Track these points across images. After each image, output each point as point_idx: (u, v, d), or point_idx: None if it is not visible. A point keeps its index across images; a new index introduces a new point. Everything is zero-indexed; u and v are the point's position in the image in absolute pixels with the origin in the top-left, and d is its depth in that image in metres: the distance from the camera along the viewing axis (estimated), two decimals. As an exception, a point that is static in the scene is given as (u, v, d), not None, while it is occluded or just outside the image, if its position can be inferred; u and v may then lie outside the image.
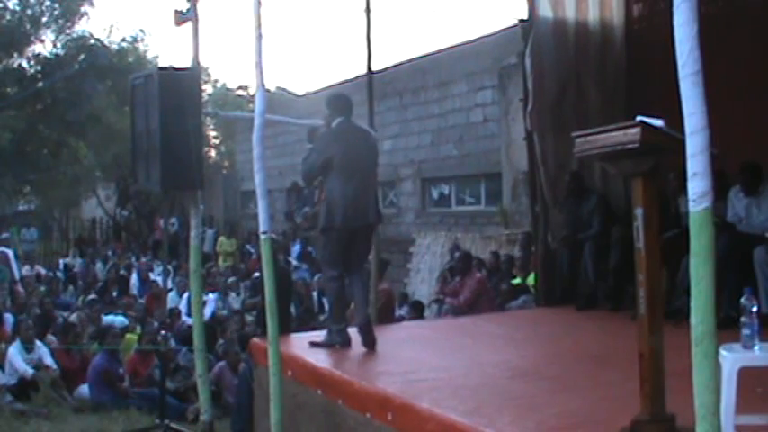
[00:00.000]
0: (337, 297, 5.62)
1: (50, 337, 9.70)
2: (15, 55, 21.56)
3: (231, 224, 20.87)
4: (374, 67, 7.04)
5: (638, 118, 3.13)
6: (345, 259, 5.58)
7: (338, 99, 5.68)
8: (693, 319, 2.55)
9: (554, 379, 4.59)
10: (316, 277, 13.38)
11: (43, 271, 15.97)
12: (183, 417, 7.80)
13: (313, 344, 5.61)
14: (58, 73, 20.68)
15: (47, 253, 21.45)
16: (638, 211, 3.25)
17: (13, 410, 8.11)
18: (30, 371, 8.59)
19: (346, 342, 5.57)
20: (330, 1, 59.71)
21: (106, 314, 10.59)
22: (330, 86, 19.89)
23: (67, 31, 21.71)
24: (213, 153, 29.73)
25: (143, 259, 16.81)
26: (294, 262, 15.14)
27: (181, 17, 6.17)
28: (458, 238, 13.26)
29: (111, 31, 22.37)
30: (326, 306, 6.09)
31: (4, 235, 16.59)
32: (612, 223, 7.10)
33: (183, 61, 6.61)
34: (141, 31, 22.91)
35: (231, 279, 13.29)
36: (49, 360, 8.86)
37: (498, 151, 13.53)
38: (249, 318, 10.52)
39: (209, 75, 29.61)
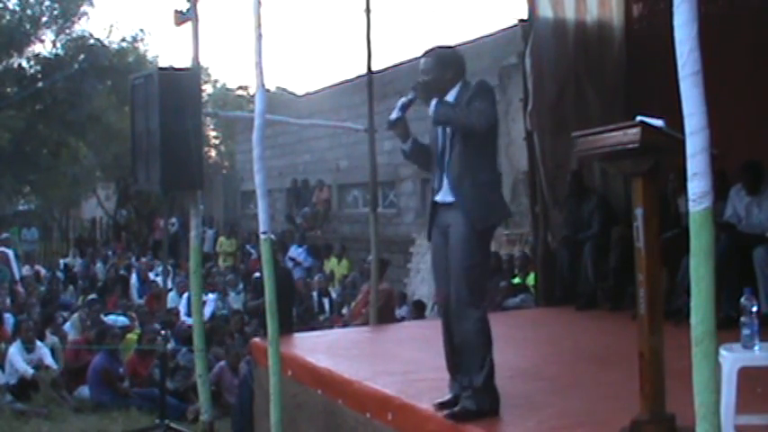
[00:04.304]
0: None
1: (51, 338, 9.71)
2: (15, 55, 21.57)
3: (231, 224, 20.86)
4: (374, 67, 7.01)
5: (638, 118, 3.13)
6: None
7: (461, 58, 3.87)
8: (693, 319, 2.56)
9: (554, 379, 4.59)
10: (316, 277, 13.39)
11: (43, 271, 15.95)
12: (183, 417, 7.80)
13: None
14: (58, 73, 20.68)
15: (47, 253, 21.39)
16: (638, 211, 3.25)
17: (13, 410, 8.11)
18: (30, 371, 8.60)
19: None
20: (330, 1, 59.75)
21: (106, 314, 10.58)
22: (330, 86, 19.93)
23: (67, 31, 21.72)
24: (213, 153, 29.76)
25: (143, 259, 16.79)
26: (301, 258, 15.18)
27: (181, 17, 6.16)
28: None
29: (110, 31, 22.44)
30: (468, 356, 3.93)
31: (4, 235, 16.54)
32: (612, 223, 7.11)
33: (183, 61, 6.62)
34: (141, 31, 22.98)
35: (229, 276, 13.29)
36: (49, 360, 8.86)
37: (498, 151, 13.50)
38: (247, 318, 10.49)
39: (209, 75, 29.72)
